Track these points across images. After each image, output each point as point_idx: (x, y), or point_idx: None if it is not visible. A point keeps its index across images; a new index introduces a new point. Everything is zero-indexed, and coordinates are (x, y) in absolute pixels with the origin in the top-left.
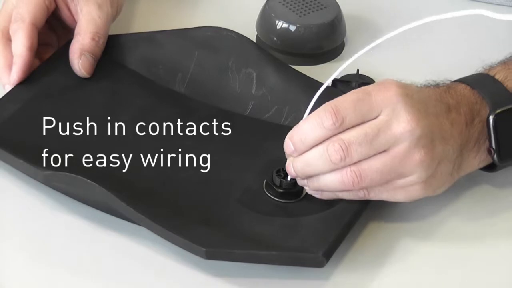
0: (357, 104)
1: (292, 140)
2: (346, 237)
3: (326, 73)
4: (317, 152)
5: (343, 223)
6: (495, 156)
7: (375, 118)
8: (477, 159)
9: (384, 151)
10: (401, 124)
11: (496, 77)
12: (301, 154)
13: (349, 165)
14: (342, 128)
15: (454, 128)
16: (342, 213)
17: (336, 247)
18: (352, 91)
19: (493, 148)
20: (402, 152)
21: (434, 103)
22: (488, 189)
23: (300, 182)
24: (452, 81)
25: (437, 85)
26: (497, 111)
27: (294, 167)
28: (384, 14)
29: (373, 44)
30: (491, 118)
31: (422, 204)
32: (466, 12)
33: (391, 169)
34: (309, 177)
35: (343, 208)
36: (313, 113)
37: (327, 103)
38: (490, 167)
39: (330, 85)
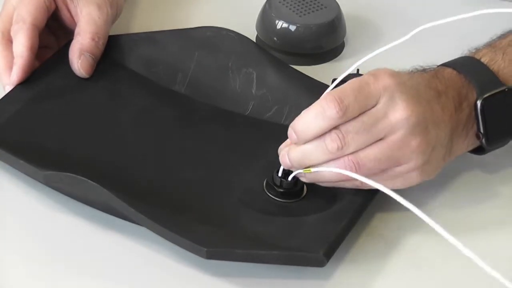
0: (358, 93)
1: (295, 129)
2: (347, 236)
3: (326, 73)
4: (314, 142)
5: (343, 222)
6: (483, 141)
7: (373, 106)
8: (466, 143)
9: (380, 139)
10: (397, 112)
11: (482, 60)
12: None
13: (347, 155)
14: (345, 118)
15: (445, 113)
16: (343, 212)
17: (337, 247)
18: (350, 81)
19: (481, 133)
20: (398, 139)
21: (424, 89)
22: (490, 186)
23: (296, 173)
24: (438, 66)
25: (424, 71)
26: (485, 96)
27: (290, 157)
28: (384, 14)
29: (380, 50)
30: (478, 103)
31: (424, 202)
32: (477, 12)
33: (388, 157)
34: (305, 167)
35: (344, 207)
36: (315, 103)
37: (328, 92)
38: (479, 150)
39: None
